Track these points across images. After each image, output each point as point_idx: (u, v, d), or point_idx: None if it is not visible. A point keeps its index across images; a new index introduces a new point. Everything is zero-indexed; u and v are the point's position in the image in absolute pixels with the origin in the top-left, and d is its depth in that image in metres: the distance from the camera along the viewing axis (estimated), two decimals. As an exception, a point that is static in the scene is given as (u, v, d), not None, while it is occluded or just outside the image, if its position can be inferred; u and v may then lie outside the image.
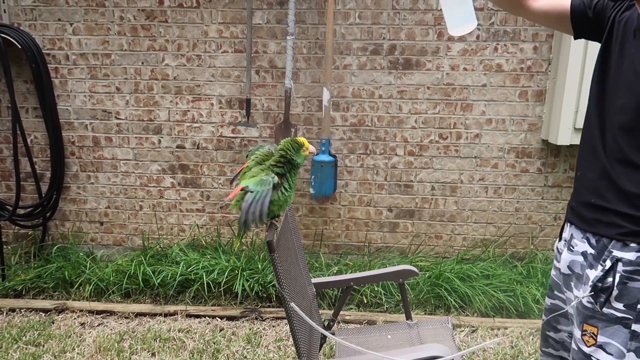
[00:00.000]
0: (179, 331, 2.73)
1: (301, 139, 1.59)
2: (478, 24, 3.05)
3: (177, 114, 3.32)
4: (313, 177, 3.15)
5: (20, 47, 3.11)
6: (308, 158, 1.65)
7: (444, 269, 2.98)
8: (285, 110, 3.15)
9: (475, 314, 2.87)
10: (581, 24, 1.33)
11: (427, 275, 2.98)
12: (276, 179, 1.54)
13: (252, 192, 1.46)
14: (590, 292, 1.24)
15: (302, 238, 3.41)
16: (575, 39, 1.39)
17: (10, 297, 3.05)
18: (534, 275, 3.02)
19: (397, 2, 3.08)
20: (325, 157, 3.13)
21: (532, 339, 2.66)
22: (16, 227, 3.44)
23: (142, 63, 3.27)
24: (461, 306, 2.89)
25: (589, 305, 1.25)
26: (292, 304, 1.46)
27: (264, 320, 2.84)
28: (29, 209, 3.39)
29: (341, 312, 2.83)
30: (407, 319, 2.01)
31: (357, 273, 2.03)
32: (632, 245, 1.19)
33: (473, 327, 2.75)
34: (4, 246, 3.38)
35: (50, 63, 3.29)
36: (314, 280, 1.99)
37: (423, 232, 3.36)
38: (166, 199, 3.46)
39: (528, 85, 3.13)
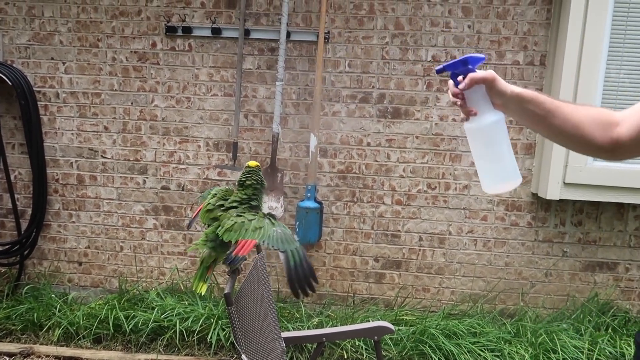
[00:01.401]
0: (146, 382, 2.59)
1: (252, 163, 1.62)
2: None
3: (163, 154, 3.29)
4: (298, 223, 3.08)
5: (10, 83, 3.12)
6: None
7: (429, 325, 2.86)
8: (272, 154, 3.12)
9: (461, 375, 2.72)
10: None
11: (411, 330, 2.85)
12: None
13: (282, 251, 1.39)
14: None
15: (286, 286, 3.30)
16: None
17: (-25, 339, 2.93)
18: (524, 334, 2.89)
19: (386, 53, 3.11)
20: (310, 204, 3.07)
21: (520, 404, 2.50)
22: (-8, 265, 3.35)
23: (132, 103, 3.27)
24: (446, 365, 2.75)
25: None
26: (243, 356, 1.36)
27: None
28: (7, 246, 3.31)
29: None
30: (381, 380, 1.89)
31: (331, 328, 1.93)
32: None
33: (458, 388, 2.60)
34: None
35: (40, 100, 3.29)
36: (284, 335, 1.89)
37: (410, 284, 3.25)
38: (148, 240, 3.37)
39: (517, 138, 3.10)
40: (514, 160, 1.04)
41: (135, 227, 3.37)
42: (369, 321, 2.93)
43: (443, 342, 2.72)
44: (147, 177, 3.32)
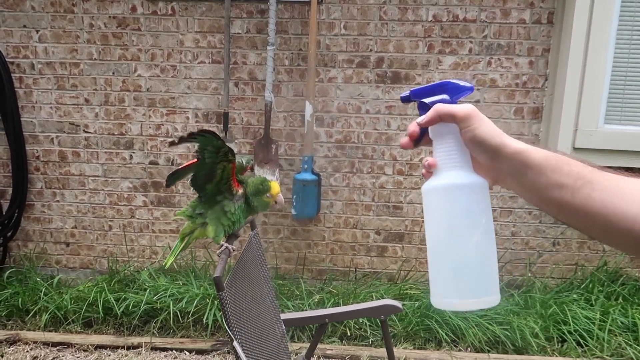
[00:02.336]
0: (140, 367, 2.47)
1: (272, 184, 1.39)
2: (470, 37, 2.88)
3: (150, 127, 3.10)
4: (295, 197, 2.92)
5: (-20, 54, 2.89)
6: (272, 208, 1.46)
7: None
8: (265, 125, 2.94)
9: (469, 349, 2.62)
10: None
11: (416, 305, 2.74)
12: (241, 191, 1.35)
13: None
14: None
15: (284, 262, 3.17)
16: None
17: (-41, 326, 2.78)
18: (532, 305, 2.79)
19: (384, 13, 2.90)
20: (307, 176, 2.91)
21: (531, 378, 2.41)
22: (-26, 248, 3.18)
23: (113, 73, 3.05)
24: (453, 340, 2.64)
25: None
26: (235, 343, 1.22)
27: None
28: (-11, 228, 3.14)
29: (322, 346, 2.59)
30: (390, 361, 1.76)
31: (334, 308, 1.79)
32: None
33: (466, 364, 2.50)
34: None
35: (14, 72, 3.07)
36: (283, 317, 1.75)
37: (413, 257, 3.13)
38: (138, 218, 3.21)
39: (524, 102, 2.93)
40: (495, 263, 0.62)
41: (124, 205, 3.20)
42: (372, 297, 2.81)
43: (450, 317, 2.61)
44: (133, 152, 3.14)
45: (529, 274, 3.06)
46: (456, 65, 2.92)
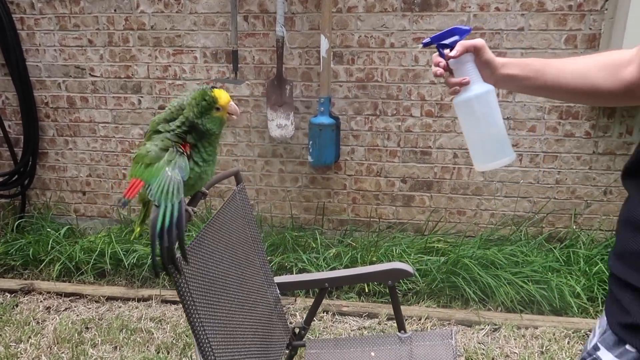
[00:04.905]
0: (150, 320, 2.39)
1: (216, 92, 1.05)
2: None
3: (157, 69, 2.89)
4: (311, 142, 2.68)
5: (-24, -7, 2.72)
6: (232, 122, 1.15)
7: (463, 254, 2.49)
8: (277, 63, 2.66)
9: (499, 309, 2.38)
10: None
11: (442, 260, 2.50)
12: (184, 154, 1.05)
13: (157, 204, 0.98)
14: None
15: (303, 212, 2.97)
16: None
17: (-22, 274, 2.80)
18: (575, 262, 2.49)
19: None
20: (324, 119, 2.64)
21: (568, 343, 2.16)
22: (-6, 197, 3.16)
23: (115, 10, 2.82)
24: (482, 299, 2.41)
25: None
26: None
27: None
28: (5, 177, 3.09)
29: (338, 302, 2.43)
30: (398, 331, 1.56)
31: (334, 272, 1.58)
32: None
33: (495, 325, 2.27)
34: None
35: (14, 13, 2.89)
36: (277, 280, 1.56)
37: (443, 207, 2.86)
38: (151, 166, 3.07)
39: (577, 28, 2.49)
40: (507, 135, 0.93)
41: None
42: (394, 251, 2.59)
43: (479, 274, 2.37)
44: (142, 97, 2.95)
45: (574, 227, 2.73)
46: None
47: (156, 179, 1.00)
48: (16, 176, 3.10)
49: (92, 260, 2.64)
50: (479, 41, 0.90)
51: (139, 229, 1.17)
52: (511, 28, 2.54)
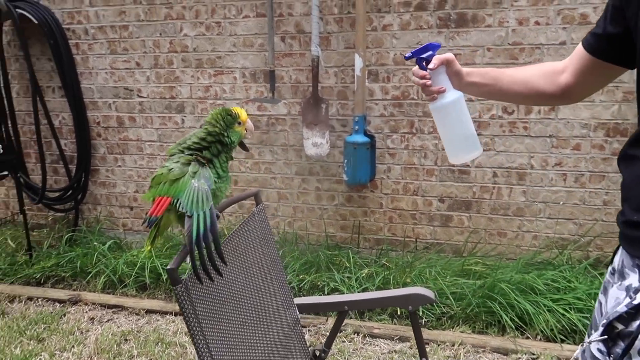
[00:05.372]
0: (185, 334, 2.45)
1: (236, 109, 1.16)
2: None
3: (199, 90, 3.00)
4: (346, 161, 2.68)
5: (36, 22, 2.94)
6: (247, 136, 1.21)
7: (501, 277, 2.39)
8: (313, 82, 2.69)
9: (538, 338, 2.26)
10: (613, 46, 0.94)
11: (478, 284, 2.41)
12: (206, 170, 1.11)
13: (189, 215, 1.02)
14: (602, 334, 0.84)
15: (339, 230, 2.97)
16: (632, 68, 0.94)
17: (32, 284, 2.97)
18: (626, 289, 2.32)
19: (448, -58, 2.46)
20: (359, 138, 2.64)
21: (616, 377, 2.01)
22: (50, 211, 3.37)
23: (160, 34, 2.96)
24: (519, 326, 2.29)
25: (599, 355, 0.86)
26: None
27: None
28: (60, 192, 3.29)
29: (369, 324, 2.39)
30: (420, 358, 1.51)
31: (355, 295, 1.57)
32: None
33: (533, 354, 2.16)
34: (31, 231, 3.33)
35: (71, 38, 3.10)
36: (297, 301, 1.56)
37: (482, 228, 2.76)
38: (193, 183, 3.17)
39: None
40: (475, 133, 1.10)
41: (179, 170, 3.17)
42: (428, 272, 2.53)
43: (516, 300, 2.26)
44: (185, 116, 3.07)
45: (626, 251, 2.56)
46: (536, 1, 2.41)
47: (184, 192, 1.05)
48: (70, 191, 3.29)
49: (133, 274, 2.74)
50: (449, 55, 1.06)
51: (149, 247, 1.20)
52: (552, 42, 2.44)
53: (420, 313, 2.40)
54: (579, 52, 1.00)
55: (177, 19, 2.91)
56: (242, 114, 1.18)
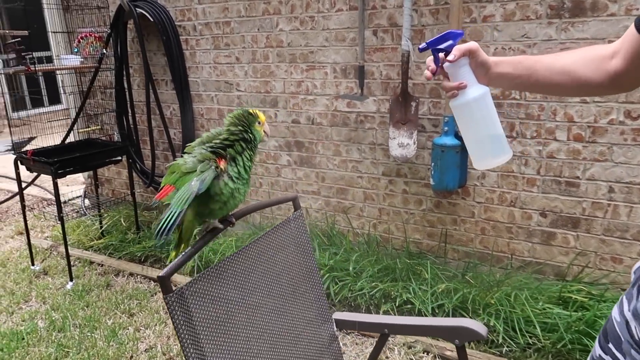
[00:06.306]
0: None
1: (255, 111, 1.17)
2: None
3: (291, 85, 3.00)
4: (433, 164, 2.48)
5: (152, 19, 3.17)
6: (265, 139, 1.19)
7: (605, 312, 2.02)
8: (402, 79, 2.53)
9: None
10: None
11: (576, 316, 2.07)
12: (218, 168, 1.09)
13: (168, 203, 1.05)
14: None
15: (426, 237, 2.77)
16: None
17: (135, 261, 3.24)
18: None
19: None
20: (448, 140, 2.42)
21: None
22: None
23: (258, 29, 3.01)
24: (622, 374, 1.92)
25: None
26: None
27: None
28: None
29: (442, 344, 2.20)
30: (465, 399, 1.32)
31: (398, 318, 1.42)
32: None
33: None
34: (144, 211, 3.63)
35: (181, 35, 3.30)
36: (336, 316, 1.46)
37: (592, 251, 2.37)
38: (283, 177, 3.20)
39: None
40: (504, 134, 0.96)
41: (271, 164, 3.22)
42: (512, 296, 2.24)
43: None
44: (278, 110, 3.10)
45: None
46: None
47: (183, 186, 1.06)
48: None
49: (216, 260, 2.84)
50: (473, 44, 0.93)
51: (174, 253, 1.20)
52: None
53: (501, 339, 2.13)
54: (630, 33, 0.86)
55: (273, 14, 2.93)
56: (261, 115, 1.18)
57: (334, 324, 1.46)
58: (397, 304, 2.35)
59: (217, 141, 1.14)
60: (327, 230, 3.00)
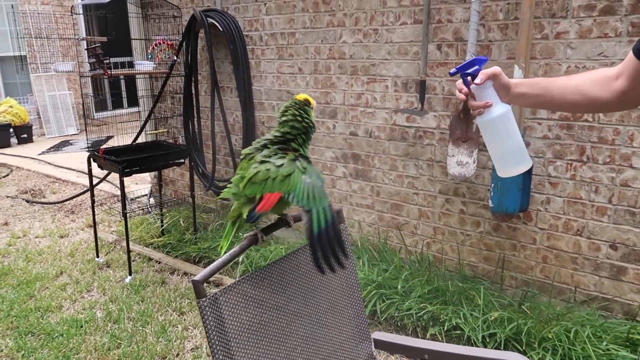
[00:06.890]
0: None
1: (303, 96, 1.23)
2: None
3: (351, 97, 2.98)
4: (492, 185, 2.37)
5: (221, 29, 3.28)
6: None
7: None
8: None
9: None
10: None
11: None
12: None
13: (307, 210, 1.05)
14: None
15: (482, 261, 2.65)
16: None
17: (190, 261, 3.34)
18: None
19: None
20: (510, 161, 2.30)
21: None
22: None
23: (322, 41, 3.03)
24: None
25: None
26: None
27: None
28: (226, 182, 3.64)
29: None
30: None
31: (441, 345, 1.35)
32: None
33: None
34: (203, 213, 3.73)
35: (248, 44, 3.38)
36: (375, 336, 1.41)
37: (668, 291, 2.16)
38: (338, 189, 3.19)
39: None
40: (524, 146, 1.09)
41: (327, 174, 3.22)
42: (573, 333, 2.08)
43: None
44: (336, 122, 3.09)
45: None
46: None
47: (297, 187, 1.09)
48: (235, 183, 3.60)
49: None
50: (496, 68, 1.06)
51: (226, 243, 1.22)
52: None
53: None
54: (630, 58, 0.99)
55: (337, 26, 2.94)
56: (311, 100, 1.24)
57: (373, 343, 1.41)
58: (445, 328, 2.25)
59: (282, 131, 1.19)
60: (378, 246, 2.94)
